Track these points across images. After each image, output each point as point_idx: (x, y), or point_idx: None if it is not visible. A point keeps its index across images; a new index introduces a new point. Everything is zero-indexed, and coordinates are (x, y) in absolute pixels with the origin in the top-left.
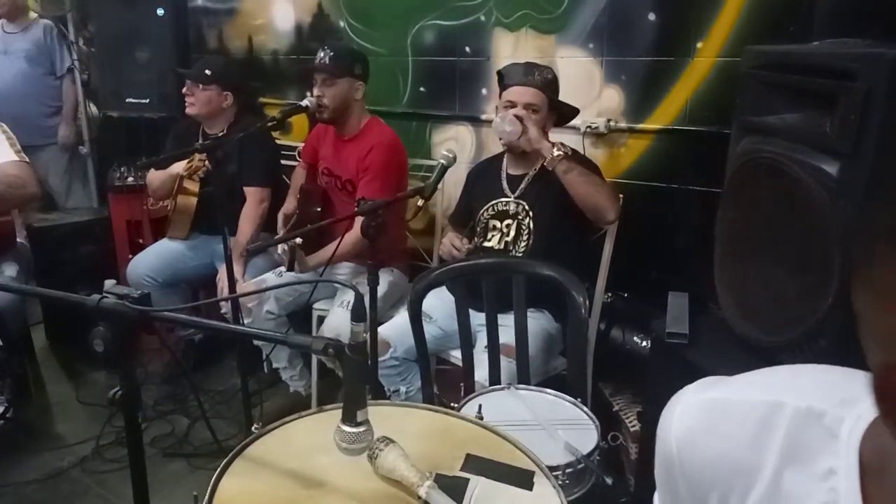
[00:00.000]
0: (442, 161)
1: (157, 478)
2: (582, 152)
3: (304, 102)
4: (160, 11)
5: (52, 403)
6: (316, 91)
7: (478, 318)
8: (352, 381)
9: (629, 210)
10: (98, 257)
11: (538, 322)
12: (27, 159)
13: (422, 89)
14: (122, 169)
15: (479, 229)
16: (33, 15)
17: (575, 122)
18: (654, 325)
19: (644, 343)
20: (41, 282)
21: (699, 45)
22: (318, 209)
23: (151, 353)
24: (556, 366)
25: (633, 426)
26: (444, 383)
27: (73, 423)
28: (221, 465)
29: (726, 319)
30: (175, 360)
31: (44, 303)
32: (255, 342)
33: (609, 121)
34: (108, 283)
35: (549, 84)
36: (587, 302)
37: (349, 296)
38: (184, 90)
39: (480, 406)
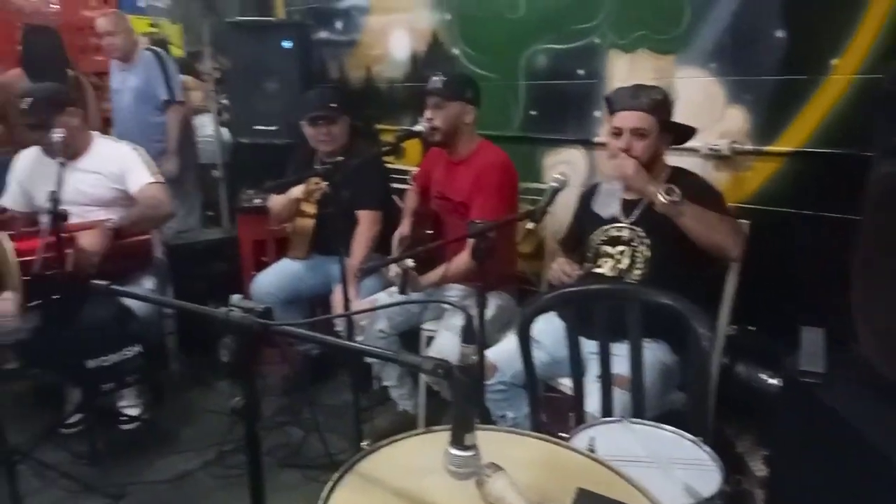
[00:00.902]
0: (553, 184)
1: (273, 486)
2: (702, 175)
3: (417, 127)
4: (287, 45)
5: (181, 409)
6: (428, 114)
7: (589, 346)
8: (460, 403)
9: (756, 237)
10: (227, 273)
11: (654, 353)
12: (162, 180)
13: (533, 113)
14: (250, 192)
15: (589, 255)
16: (141, 47)
17: (695, 143)
18: (786, 362)
19: (773, 381)
20: (176, 295)
21: (834, 62)
22: (430, 232)
23: (272, 366)
24: (673, 400)
25: (760, 471)
26: (552, 411)
27: (199, 429)
28: (333, 480)
29: (866, 358)
30: (293, 374)
31: (178, 314)
32: (367, 359)
33: (732, 143)
34: (235, 298)
35: (658, 106)
36: (710, 334)
37: (457, 318)
38: (321, 131)
39: (592, 438)
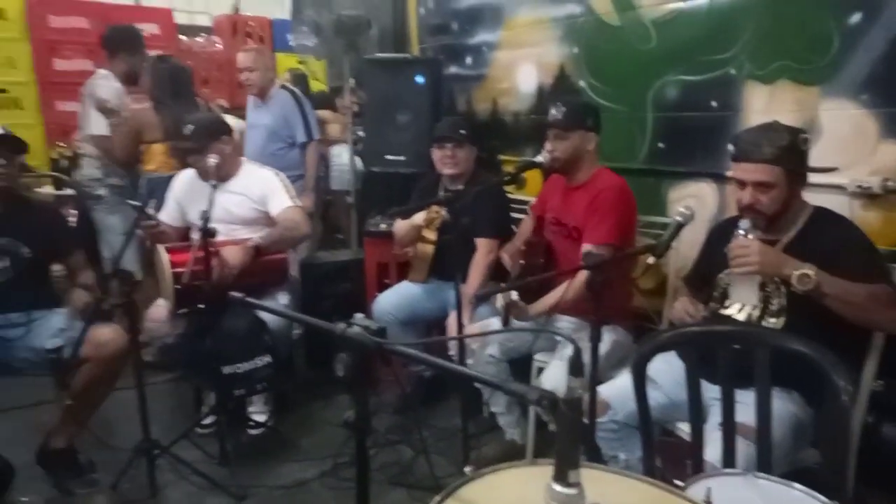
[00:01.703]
0: (678, 218)
1: (381, 503)
2: (848, 217)
3: (538, 158)
4: (420, 79)
5: (303, 419)
6: (549, 146)
7: (711, 391)
8: (564, 438)
9: None
10: (352, 293)
11: (785, 404)
12: (300, 204)
13: (661, 145)
14: (377, 217)
15: (716, 294)
16: (277, 85)
17: (841, 180)
18: None
19: None
20: (305, 311)
21: None
22: (542, 261)
23: (386, 384)
24: (804, 457)
25: None
26: (668, 457)
27: (318, 439)
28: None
29: None
30: (406, 394)
31: (305, 329)
32: (478, 385)
33: (885, 180)
34: (357, 317)
35: (783, 154)
36: (851, 388)
37: (569, 350)
38: (447, 153)
39: (710, 490)
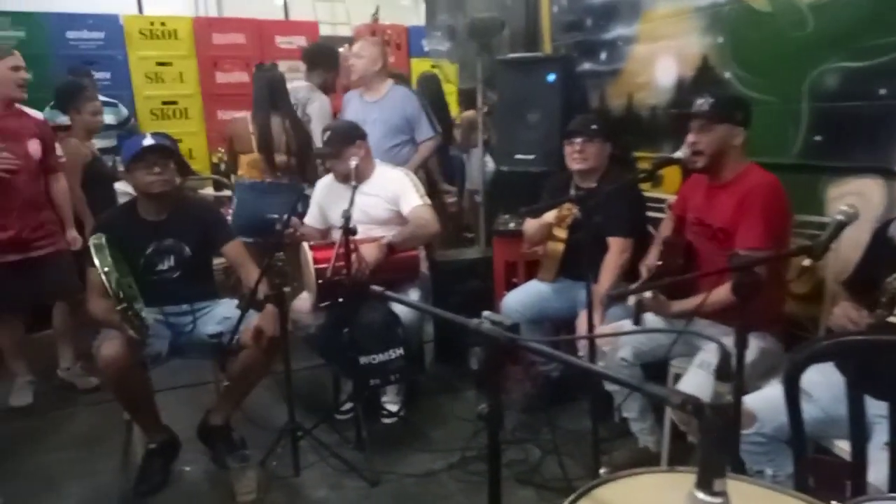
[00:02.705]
0: (839, 217)
1: (509, 501)
2: None
3: (677, 154)
4: (551, 77)
5: (432, 411)
6: (691, 138)
7: (875, 407)
8: (710, 445)
9: None
10: (481, 291)
11: None
12: (430, 203)
13: (817, 138)
14: (506, 216)
15: (883, 300)
16: (390, 82)
17: None
18: None
19: None
20: (435, 307)
21: None
22: (681, 262)
23: (514, 383)
24: None
25: None
26: (822, 476)
27: (447, 432)
28: (570, 501)
29: None
30: (534, 392)
31: (436, 323)
32: (609, 388)
33: None
34: (486, 314)
35: None
36: None
37: (710, 356)
38: (575, 148)
39: None
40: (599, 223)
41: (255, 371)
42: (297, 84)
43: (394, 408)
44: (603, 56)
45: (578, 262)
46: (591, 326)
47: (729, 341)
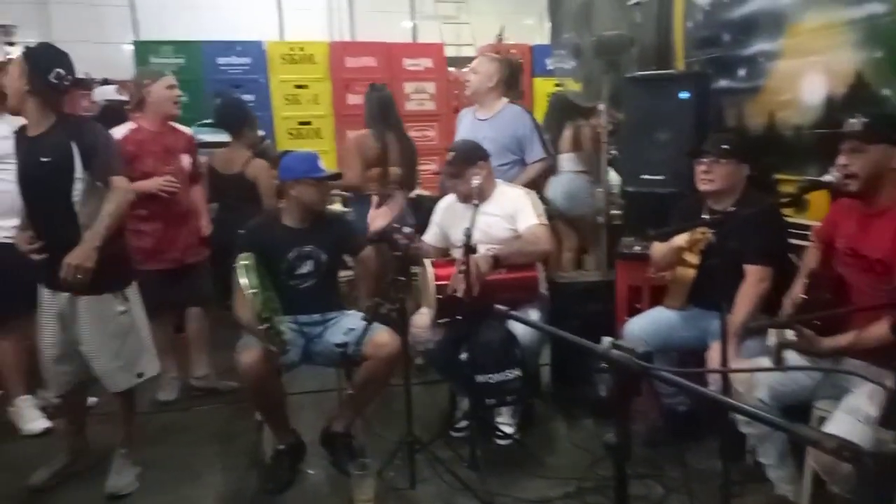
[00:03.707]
0: None
1: None
2: None
3: (827, 177)
4: (684, 95)
5: (547, 436)
6: (843, 160)
7: None
8: (867, 497)
9: None
10: (600, 315)
11: None
12: (547, 223)
13: None
14: (631, 238)
15: None
16: (504, 101)
17: None
18: None
19: None
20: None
21: None
22: (829, 296)
23: (637, 414)
24: None
25: None
26: None
27: (561, 458)
28: None
29: None
30: (659, 426)
31: (554, 346)
32: (743, 430)
33: None
34: (606, 340)
35: None
36: None
37: (862, 401)
38: (702, 168)
39: None
40: (736, 249)
41: (376, 382)
42: None
43: (509, 429)
44: (741, 73)
45: (711, 290)
46: (724, 360)
47: (889, 383)
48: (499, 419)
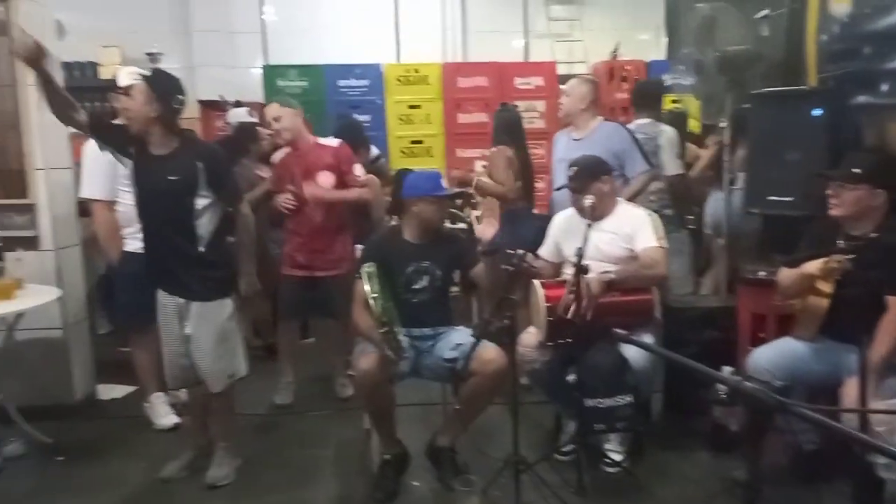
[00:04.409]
0: None
1: None
2: None
3: None
4: (817, 112)
5: (658, 466)
6: None
7: None
8: None
9: None
10: (718, 343)
11: None
12: (666, 246)
13: None
14: (755, 263)
15: None
16: (599, 120)
17: None
18: None
19: None
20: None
21: None
22: None
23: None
24: None
25: None
26: None
27: (674, 492)
28: None
29: None
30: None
31: (667, 374)
32: (883, 474)
33: None
34: (726, 370)
35: None
36: None
37: None
38: (828, 191)
39: None
40: (877, 278)
41: (481, 398)
42: (641, 122)
43: (617, 457)
44: (884, 88)
45: (846, 322)
46: (862, 398)
47: None
48: (607, 445)
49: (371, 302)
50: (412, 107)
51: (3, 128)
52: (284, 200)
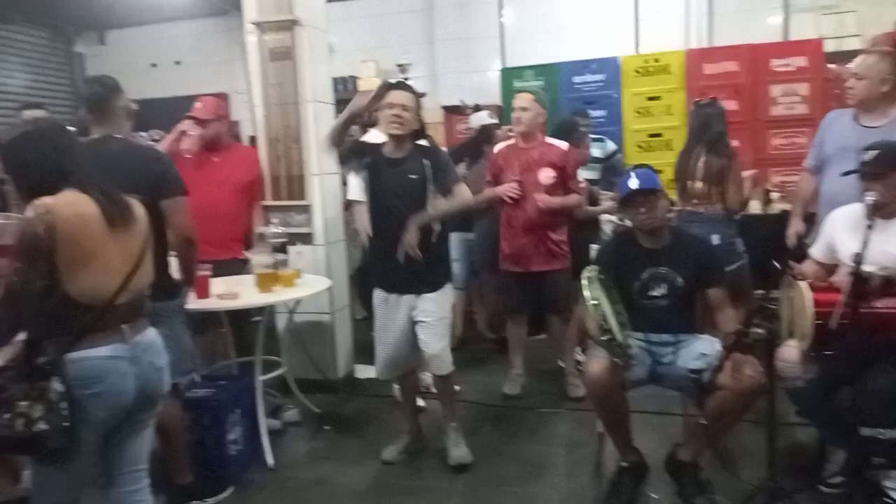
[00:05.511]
0: None
1: None
2: None
3: None
4: None
5: None
6: None
7: None
8: None
9: None
10: None
11: None
12: None
13: None
14: None
15: None
16: None
17: None
18: None
19: None
20: None
21: None
22: None
23: None
24: None
25: None
26: None
27: None
28: None
29: None
30: None
31: None
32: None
33: None
34: None
35: None
36: None
37: None
38: None
39: None
40: None
41: (731, 414)
42: None
43: None
44: None
45: None
46: None
47: None
48: (887, 482)
49: (591, 308)
50: (651, 98)
51: (288, 140)
52: (510, 189)
